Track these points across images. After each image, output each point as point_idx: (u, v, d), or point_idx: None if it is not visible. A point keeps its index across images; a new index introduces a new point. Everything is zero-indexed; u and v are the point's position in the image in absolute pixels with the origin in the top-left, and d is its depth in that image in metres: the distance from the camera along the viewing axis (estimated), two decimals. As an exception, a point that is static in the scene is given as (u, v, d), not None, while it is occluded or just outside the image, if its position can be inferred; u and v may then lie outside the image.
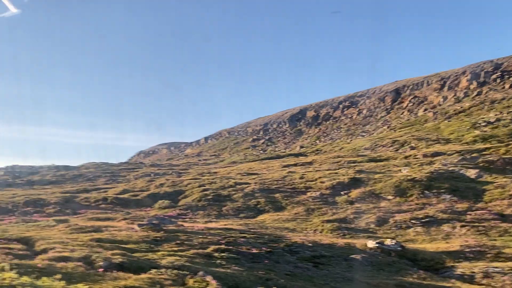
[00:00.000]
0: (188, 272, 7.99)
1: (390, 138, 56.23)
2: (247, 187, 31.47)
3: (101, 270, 7.74)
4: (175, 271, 7.90)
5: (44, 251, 10.67)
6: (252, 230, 19.94)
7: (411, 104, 78.98)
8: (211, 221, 24.37)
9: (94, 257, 8.92)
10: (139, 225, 17.91)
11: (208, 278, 7.43)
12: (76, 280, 6.62)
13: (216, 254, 12.31)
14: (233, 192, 30.36)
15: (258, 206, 27.70)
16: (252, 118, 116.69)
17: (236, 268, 10.30)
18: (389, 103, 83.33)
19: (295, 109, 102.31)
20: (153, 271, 7.91)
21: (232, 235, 17.32)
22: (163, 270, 7.99)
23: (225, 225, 22.20)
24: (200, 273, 7.84)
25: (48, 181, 54.72)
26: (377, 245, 16.91)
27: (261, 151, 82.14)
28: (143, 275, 7.53)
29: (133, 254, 10.70)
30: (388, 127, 70.38)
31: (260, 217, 25.52)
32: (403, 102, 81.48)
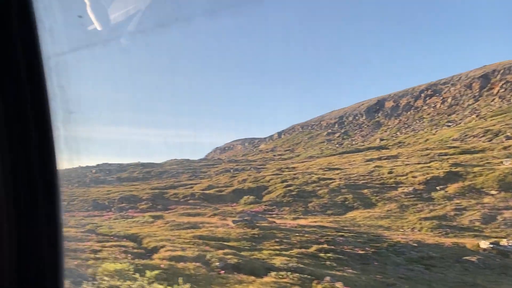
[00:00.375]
0: (308, 276, 7.56)
1: (482, 128, 51.89)
2: (332, 182, 30.58)
3: (222, 272, 7.57)
4: (296, 275, 7.52)
5: (155, 249, 10.82)
6: (346, 228, 19.18)
7: (502, 90, 72.41)
8: (299, 218, 23.93)
9: (208, 257, 8.80)
10: (234, 222, 17.94)
11: (339, 284, 6.93)
12: (202, 283, 6.42)
13: (321, 255, 11.79)
14: (318, 188, 29.66)
15: (346, 202, 26.75)
16: (326, 111, 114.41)
17: (350, 271, 9.69)
18: (477, 90, 77.13)
19: (372, 100, 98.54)
20: (273, 274, 7.59)
21: (328, 233, 16.71)
22: (283, 273, 7.64)
23: (315, 222, 21.63)
24: (327, 278, 7.37)
25: (135, 177, 57.87)
26: (492, 245, 15.34)
27: (337, 145, 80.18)
28: (266, 279, 7.22)
29: (241, 253, 10.51)
30: (477, 116, 65.16)
31: (350, 214, 24.59)
32: (493, 88, 74.98)
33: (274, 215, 24.66)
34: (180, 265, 7.77)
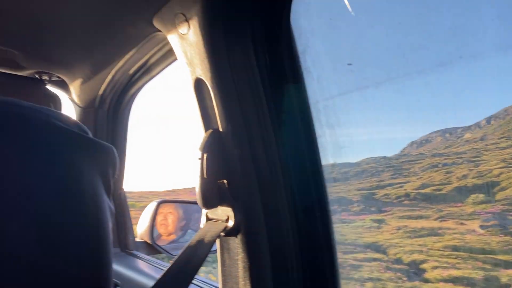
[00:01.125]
0: None
1: None
2: None
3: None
4: None
5: (415, 264, 9.39)
6: None
7: None
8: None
9: (504, 280, 6.93)
10: (481, 227, 15.37)
11: None
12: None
13: None
14: None
15: None
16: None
17: None
18: None
19: None
20: None
21: None
22: None
23: None
24: None
25: (334, 178, 58.26)
26: None
27: None
28: None
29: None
30: None
31: None
32: None
33: (518, 216, 20.68)
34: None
